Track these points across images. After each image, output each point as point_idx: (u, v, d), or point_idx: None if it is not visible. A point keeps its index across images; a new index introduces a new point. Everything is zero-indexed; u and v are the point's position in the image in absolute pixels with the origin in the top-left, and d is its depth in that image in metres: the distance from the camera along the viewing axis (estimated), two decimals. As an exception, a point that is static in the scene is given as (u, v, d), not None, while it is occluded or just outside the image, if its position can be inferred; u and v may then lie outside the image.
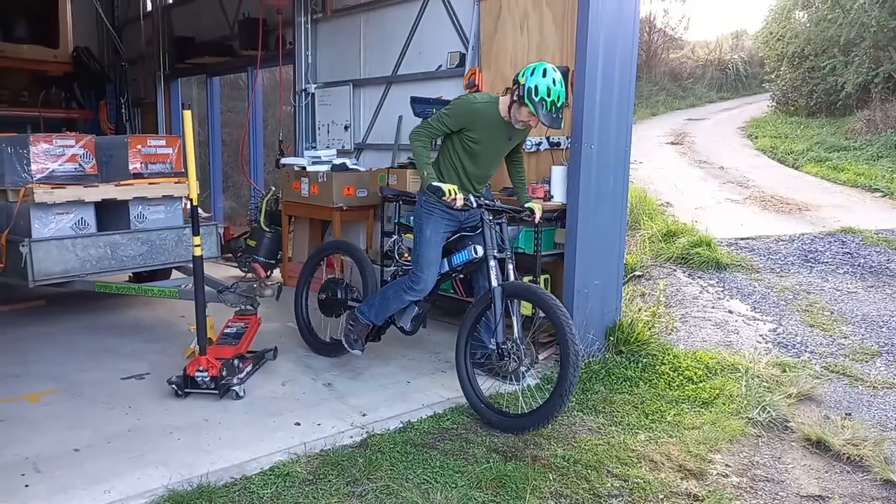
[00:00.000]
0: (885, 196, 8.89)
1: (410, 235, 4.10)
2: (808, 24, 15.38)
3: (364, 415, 3.38)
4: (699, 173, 11.21)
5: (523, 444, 3.08)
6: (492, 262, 3.47)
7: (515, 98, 3.37)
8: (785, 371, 3.92)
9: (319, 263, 4.57)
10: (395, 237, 4.39)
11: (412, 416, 3.35)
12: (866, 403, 3.58)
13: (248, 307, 4.18)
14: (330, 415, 3.37)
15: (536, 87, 3.29)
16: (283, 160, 6.53)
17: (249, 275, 6.36)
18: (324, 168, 5.91)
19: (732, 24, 44.89)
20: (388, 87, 6.12)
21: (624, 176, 4.53)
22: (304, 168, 6.07)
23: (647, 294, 5.56)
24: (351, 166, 5.98)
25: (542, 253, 4.28)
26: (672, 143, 14.55)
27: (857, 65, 13.11)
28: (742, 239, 6.86)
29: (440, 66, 5.56)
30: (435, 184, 3.35)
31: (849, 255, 6.04)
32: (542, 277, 4.41)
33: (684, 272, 6.02)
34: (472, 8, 5.22)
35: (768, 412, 3.39)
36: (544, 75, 3.31)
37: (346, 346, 3.93)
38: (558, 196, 4.41)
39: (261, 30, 7.25)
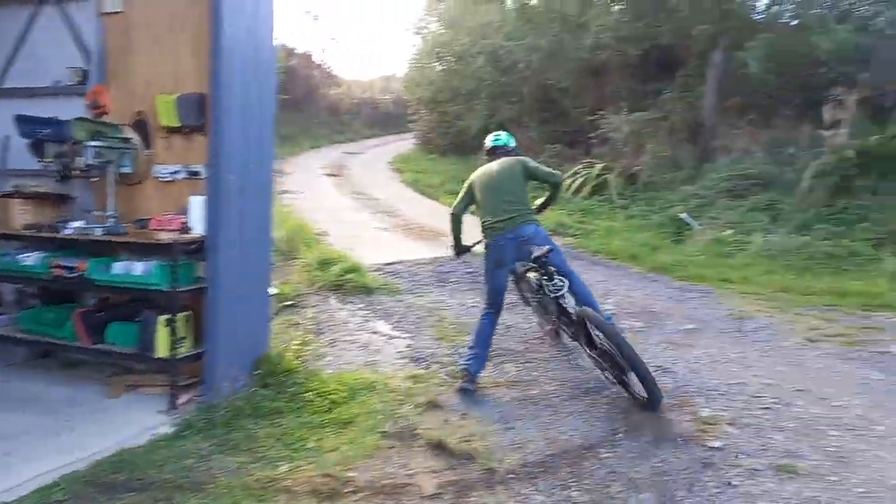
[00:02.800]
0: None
1: None
2: (441, 74, 17.78)
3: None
4: (354, 203, 11.97)
5: (152, 501, 2.82)
6: None
7: None
8: (417, 382, 4.36)
9: None
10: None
11: (9, 495, 2.79)
12: (478, 403, 4.17)
13: None
14: None
15: None
16: None
17: None
18: None
19: (385, 67, 49.59)
20: (-12, 101, 5.12)
21: (267, 205, 4.55)
22: None
23: (301, 323, 5.66)
24: (-67, 193, 4.82)
25: (181, 289, 4.02)
26: (331, 175, 15.29)
27: (478, 111, 15.60)
28: (388, 264, 7.51)
29: (59, 82, 4.87)
30: None
31: (470, 274, 7.06)
32: (183, 315, 4.14)
33: (337, 298, 6.32)
34: (95, 21, 4.70)
35: (399, 423, 3.72)
36: None
37: None
38: (198, 228, 4.20)
39: None
